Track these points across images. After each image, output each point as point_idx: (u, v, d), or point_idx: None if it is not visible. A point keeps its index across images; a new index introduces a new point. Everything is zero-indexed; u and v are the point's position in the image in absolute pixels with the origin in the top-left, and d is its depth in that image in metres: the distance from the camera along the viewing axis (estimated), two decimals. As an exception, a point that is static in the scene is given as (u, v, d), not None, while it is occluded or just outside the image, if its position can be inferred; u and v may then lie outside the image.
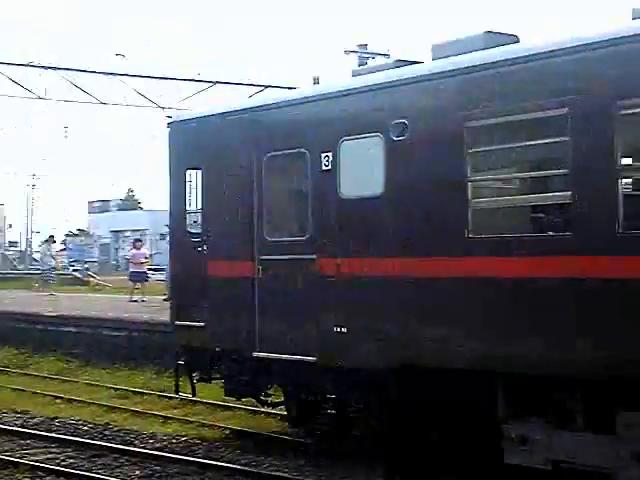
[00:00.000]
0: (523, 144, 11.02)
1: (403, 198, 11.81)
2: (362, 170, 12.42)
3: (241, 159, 13.98)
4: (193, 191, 15.02)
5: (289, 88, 23.50)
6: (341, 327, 12.50)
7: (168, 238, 15.83)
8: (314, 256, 12.90)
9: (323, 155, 12.76)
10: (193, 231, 15.11)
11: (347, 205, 12.50)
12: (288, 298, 13.28)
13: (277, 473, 12.88)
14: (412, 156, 11.72)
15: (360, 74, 13.50)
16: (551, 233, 10.89)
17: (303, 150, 13.08)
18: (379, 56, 34.62)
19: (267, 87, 36.53)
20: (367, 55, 35.23)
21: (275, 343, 13.49)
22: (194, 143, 14.92)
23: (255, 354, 13.78)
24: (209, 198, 14.65)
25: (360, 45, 35.50)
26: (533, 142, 10.84)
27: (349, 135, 12.46)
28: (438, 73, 11.55)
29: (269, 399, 15.17)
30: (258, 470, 13.09)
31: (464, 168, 11.10)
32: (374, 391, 12.51)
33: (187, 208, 15.19)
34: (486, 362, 10.99)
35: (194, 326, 14.70)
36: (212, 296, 14.49)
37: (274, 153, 13.57)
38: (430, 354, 11.52)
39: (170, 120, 15.68)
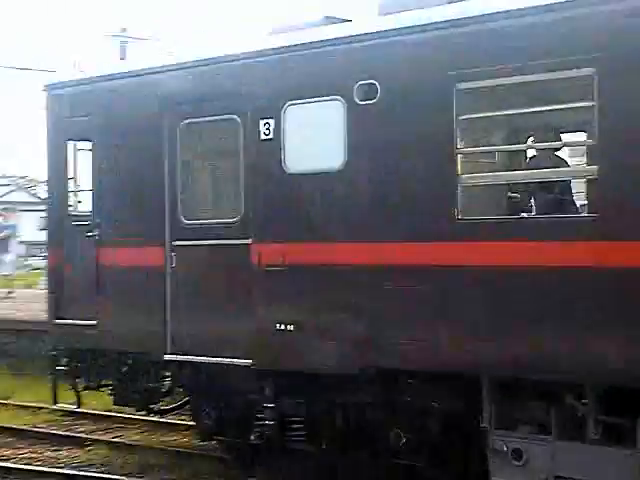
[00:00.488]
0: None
1: (372, 173, 10.06)
2: (315, 140, 10.55)
3: (146, 127, 11.83)
4: (80, 166, 12.75)
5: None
6: (287, 325, 10.65)
7: (46, 221, 13.41)
8: (249, 241, 10.96)
9: (262, 122, 10.83)
10: (79, 213, 12.82)
11: (295, 181, 10.63)
12: (210, 291, 11.29)
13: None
14: (384, 123, 9.98)
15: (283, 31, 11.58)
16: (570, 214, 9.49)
17: (234, 116, 11.09)
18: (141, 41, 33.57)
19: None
20: (129, 39, 33.73)
21: (192, 344, 11.46)
22: (80, 110, 12.60)
23: (166, 357, 11.70)
24: (102, 174, 12.39)
25: (122, 29, 33.84)
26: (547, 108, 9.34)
27: (297, 99, 10.60)
28: (421, 26, 9.84)
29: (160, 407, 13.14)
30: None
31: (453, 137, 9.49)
32: (328, 398, 10.74)
33: (71, 186, 12.90)
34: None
35: (81, 325, 12.44)
36: (106, 289, 12.27)
37: (193, 120, 11.51)
38: (406, 356, 9.83)
39: (48, 83, 13.24)
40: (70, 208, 12.91)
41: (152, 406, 12.90)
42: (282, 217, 10.70)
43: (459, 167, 9.44)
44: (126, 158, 12.10)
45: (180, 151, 11.59)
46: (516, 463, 9.57)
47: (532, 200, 10.05)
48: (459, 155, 9.43)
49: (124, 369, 12.48)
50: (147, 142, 11.82)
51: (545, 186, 9.71)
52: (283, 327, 10.61)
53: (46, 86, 13.12)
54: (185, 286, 11.51)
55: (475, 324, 9.28)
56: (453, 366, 9.50)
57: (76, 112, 12.63)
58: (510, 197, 10.71)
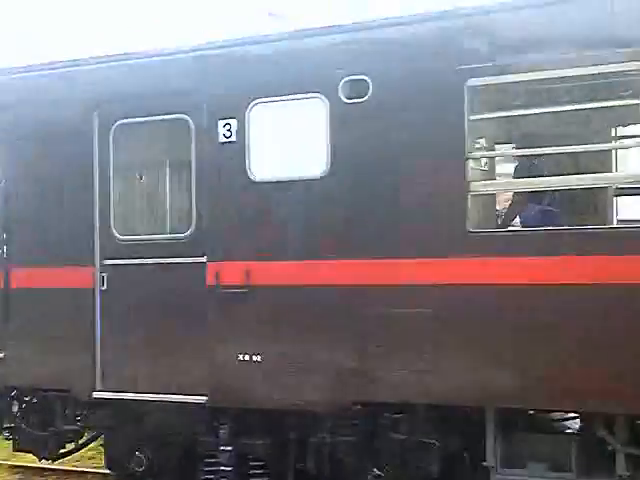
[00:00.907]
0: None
1: (363, 181, 8.84)
2: (289, 143, 9.23)
3: (69, 128, 10.21)
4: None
5: None
6: (252, 356, 9.26)
7: None
8: (202, 259, 9.52)
9: (222, 123, 9.43)
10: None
11: (263, 190, 9.27)
12: (153, 317, 9.76)
13: None
14: (376, 125, 8.79)
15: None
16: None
17: (184, 117, 9.65)
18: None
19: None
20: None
21: (129, 380, 9.90)
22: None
23: (96, 394, 10.05)
24: (12, 183, 10.65)
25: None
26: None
27: (266, 96, 9.27)
28: (418, 15, 8.73)
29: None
30: None
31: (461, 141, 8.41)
32: (297, 438, 9.41)
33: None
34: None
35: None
36: (17, 316, 10.51)
37: (129, 120, 9.98)
38: (404, 389, 8.63)
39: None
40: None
41: (62, 451, 11.16)
42: (246, 231, 9.33)
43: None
44: (42, 162, 10.41)
45: (113, 155, 10.04)
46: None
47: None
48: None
49: (32, 409, 10.75)
50: (71, 144, 10.20)
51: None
52: (247, 358, 9.25)
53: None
54: (118, 312, 9.93)
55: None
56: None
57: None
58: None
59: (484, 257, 8.30)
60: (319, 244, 8.97)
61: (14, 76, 10.66)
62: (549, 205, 9.32)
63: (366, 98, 8.80)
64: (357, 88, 8.84)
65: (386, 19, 8.79)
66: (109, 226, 10.01)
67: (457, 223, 8.38)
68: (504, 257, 8.24)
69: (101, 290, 10.02)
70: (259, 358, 9.19)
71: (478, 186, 8.53)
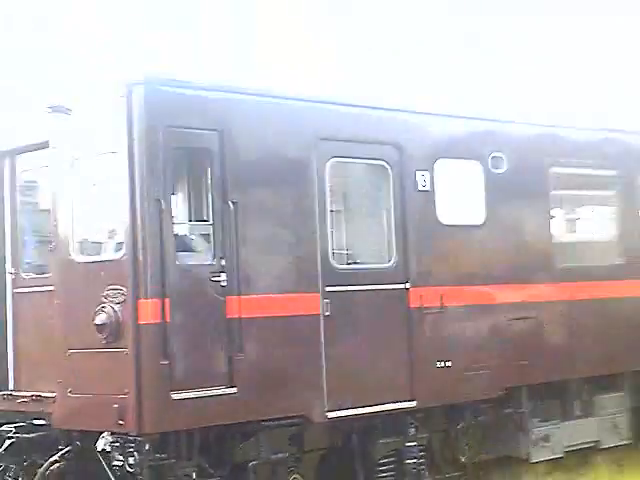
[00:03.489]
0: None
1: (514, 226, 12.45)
2: (459, 195, 11.91)
3: (293, 160, 10.52)
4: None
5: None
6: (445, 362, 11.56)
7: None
8: (407, 285, 11.28)
9: (419, 174, 11.48)
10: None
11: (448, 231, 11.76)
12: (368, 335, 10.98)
13: None
14: (510, 190, 12.38)
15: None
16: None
17: (384, 163, 11.25)
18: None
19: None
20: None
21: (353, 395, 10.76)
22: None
23: (330, 414, 10.47)
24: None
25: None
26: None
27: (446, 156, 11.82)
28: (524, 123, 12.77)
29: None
30: None
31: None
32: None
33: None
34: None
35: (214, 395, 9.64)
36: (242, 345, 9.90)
37: (341, 159, 10.94)
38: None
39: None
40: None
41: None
42: (439, 263, 11.61)
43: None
44: (268, 190, 10.25)
45: (329, 191, 10.76)
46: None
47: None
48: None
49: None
50: (294, 175, 10.49)
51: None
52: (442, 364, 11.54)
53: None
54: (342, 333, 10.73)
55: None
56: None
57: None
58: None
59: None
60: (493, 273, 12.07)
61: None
62: None
63: (504, 170, 12.38)
64: (497, 162, 12.33)
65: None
66: (330, 259, 10.72)
67: None
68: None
69: (325, 314, 10.61)
70: (449, 364, 11.61)
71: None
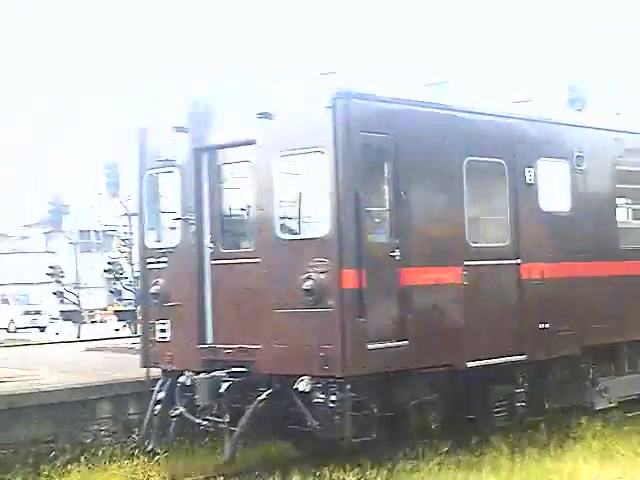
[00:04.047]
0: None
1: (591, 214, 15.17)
2: (552, 188, 14.53)
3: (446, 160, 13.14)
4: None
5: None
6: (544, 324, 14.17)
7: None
8: (518, 261, 13.85)
9: (527, 170, 14.06)
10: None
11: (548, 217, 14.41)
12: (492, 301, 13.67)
13: None
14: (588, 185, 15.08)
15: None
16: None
17: (501, 161, 13.82)
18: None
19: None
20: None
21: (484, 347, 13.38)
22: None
23: (469, 364, 13.02)
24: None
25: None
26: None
27: (545, 156, 14.44)
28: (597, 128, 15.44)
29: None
30: None
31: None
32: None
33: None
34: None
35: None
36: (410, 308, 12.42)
37: (474, 158, 13.47)
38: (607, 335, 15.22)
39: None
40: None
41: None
42: (540, 243, 14.24)
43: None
44: (426, 183, 12.74)
45: (466, 184, 13.28)
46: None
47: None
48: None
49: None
50: (445, 171, 13.00)
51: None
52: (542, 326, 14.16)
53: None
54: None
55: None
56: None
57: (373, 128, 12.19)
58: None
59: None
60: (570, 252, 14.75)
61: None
62: None
63: (584, 167, 15.05)
64: (579, 161, 14.99)
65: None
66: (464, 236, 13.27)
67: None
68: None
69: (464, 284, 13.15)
70: (547, 325, 14.23)
71: None
